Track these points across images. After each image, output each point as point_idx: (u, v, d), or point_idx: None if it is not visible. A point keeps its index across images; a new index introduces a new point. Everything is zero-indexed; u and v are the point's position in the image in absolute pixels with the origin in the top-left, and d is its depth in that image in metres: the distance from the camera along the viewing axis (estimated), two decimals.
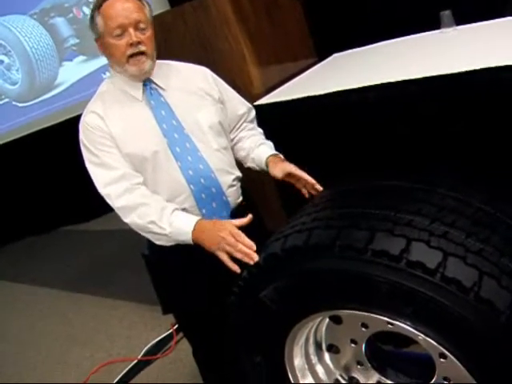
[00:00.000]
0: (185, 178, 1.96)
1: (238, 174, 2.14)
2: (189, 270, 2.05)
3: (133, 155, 1.93)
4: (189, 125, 2.00)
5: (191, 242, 1.85)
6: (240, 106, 2.20)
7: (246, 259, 1.69)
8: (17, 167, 6.63)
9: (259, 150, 2.13)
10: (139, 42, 1.86)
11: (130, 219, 1.90)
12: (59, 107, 6.47)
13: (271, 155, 2.09)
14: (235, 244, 1.73)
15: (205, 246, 1.80)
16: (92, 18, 1.91)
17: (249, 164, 2.19)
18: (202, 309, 2.10)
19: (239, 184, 2.14)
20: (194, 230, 1.83)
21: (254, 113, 2.27)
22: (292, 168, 1.98)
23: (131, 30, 1.85)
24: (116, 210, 1.94)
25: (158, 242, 1.95)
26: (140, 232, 1.96)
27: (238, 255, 1.71)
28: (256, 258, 1.68)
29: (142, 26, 1.88)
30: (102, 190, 1.92)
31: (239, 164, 2.19)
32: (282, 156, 2.09)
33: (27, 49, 6.31)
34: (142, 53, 1.88)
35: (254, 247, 1.70)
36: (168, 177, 1.95)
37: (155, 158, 1.94)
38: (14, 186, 6.71)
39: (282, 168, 2.00)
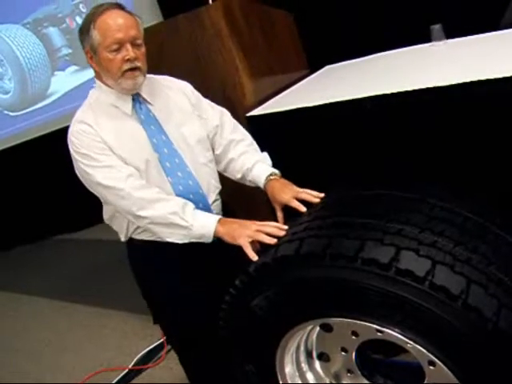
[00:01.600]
0: (175, 193, 1.97)
1: (220, 187, 2.16)
2: (171, 278, 2.08)
3: (129, 164, 1.92)
4: (176, 140, 2.00)
5: (210, 237, 1.85)
6: (211, 118, 2.15)
7: (277, 232, 1.72)
8: (8, 176, 6.63)
9: (254, 173, 2.09)
10: (135, 58, 1.87)
11: (148, 212, 1.87)
12: (51, 117, 6.46)
13: (267, 182, 2.04)
14: (263, 224, 1.78)
15: (228, 237, 1.82)
16: (85, 30, 1.89)
17: (247, 184, 2.16)
18: (184, 316, 2.10)
19: (220, 197, 2.16)
20: (218, 223, 1.85)
21: (228, 118, 2.21)
22: (285, 200, 1.93)
23: (128, 46, 1.85)
24: (130, 203, 1.88)
25: (169, 239, 1.91)
26: (152, 227, 1.92)
27: (269, 229, 1.74)
28: (286, 227, 1.74)
29: (138, 42, 1.88)
30: (114, 183, 1.88)
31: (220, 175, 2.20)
32: (277, 175, 2.05)
33: (20, 58, 6.31)
34: (137, 68, 1.89)
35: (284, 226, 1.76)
36: (159, 190, 1.95)
37: (148, 170, 1.94)
38: (5, 195, 6.70)
39: (277, 201, 1.96)
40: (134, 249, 2.10)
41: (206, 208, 2.03)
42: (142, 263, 2.13)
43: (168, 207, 1.87)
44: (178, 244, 1.90)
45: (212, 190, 2.09)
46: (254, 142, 2.21)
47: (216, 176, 2.15)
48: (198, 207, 1.97)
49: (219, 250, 1.86)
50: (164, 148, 1.97)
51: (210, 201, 2.06)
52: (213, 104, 2.21)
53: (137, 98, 1.99)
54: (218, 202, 2.13)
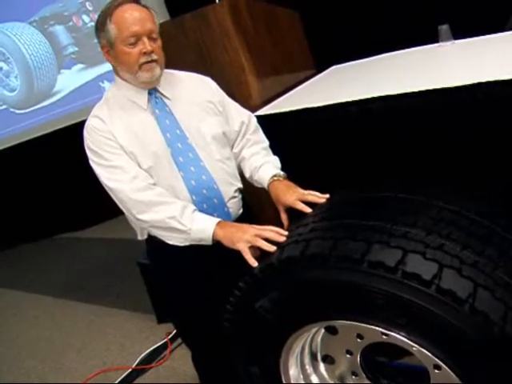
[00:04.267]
0: (187, 188, 1.96)
1: (240, 185, 2.13)
2: (189, 276, 2.07)
3: (139, 160, 1.93)
4: (192, 135, 2.00)
5: (209, 241, 1.85)
6: (236, 120, 2.16)
7: (277, 237, 1.69)
8: (12, 174, 6.64)
9: (260, 173, 2.08)
10: (152, 51, 1.88)
11: (147, 215, 1.88)
12: (57, 115, 6.48)
13: (270, 182, 2.03)
14: (263, 228, 1.76)
15: (226, 240, 1.81)
16: (100, 24, 1.90)
17: (255, 184, 2.15)
18: (201, 315, 2.09)
19: (241, 195, 2.14)
20: (217, 226, 1.84)
21: (253, 122, 2.23)
22: (290, 202, 1.91)
23: (145, 39, 1.86)
24: (130, 206, 1.90)
25: (170, 242, 1.92)
26: (153, 230, 1.94)
27: (268, 234, 1.72)
28: (286, 233, 1.71)
29: (154, 35, 1.89)
30: (115, 185, 1.90)
31: (240, 174, 2.18)
32: (282, 177, 2.03)
33: (26, 56, 6.33)
34: (154, 60, 1.90)
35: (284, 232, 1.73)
36: (171, 186, 1.95)
37: (159, 166, 1.94)
38: (9, 193, 6.72)
39: (282, 203, 1.95)
40: (153, 246, 2.09)
41: (221, 204, 2.02)
42: (160, 261, 2.12)
43: (167, 211, 1.87)
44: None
45: (228, 186, 2.06)
46: (269, 149, 2.21)
47: (234, 174, 2.13)
48: (212, 203, 1.99)
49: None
50: (178, 143, 1.97)
51: (226, 197, 2.04)
52: (240, 108, 2.22)
53: (153, 92, 1.99)
54: (236, 200, 2.10)
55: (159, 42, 1.93)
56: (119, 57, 1.91)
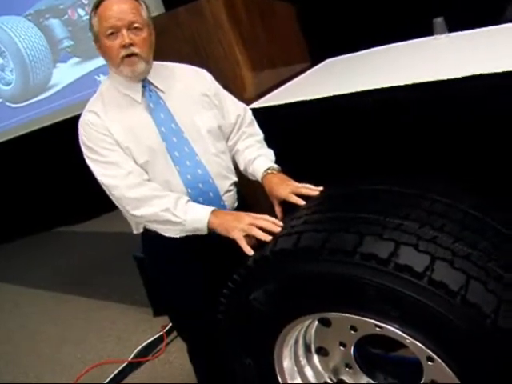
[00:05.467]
0: (183, 182, 1.95)
1: (235, 179, 2.13)
2: (184, 269, 2.06)
3: (134, 155, 1.92)
4: (187, 128, 1.98)
5: (204, 230, 1.84)
6: (232, 113, 2.15)
7: (272, 227, 1.69)
8: (8, 168, 6.63)
9: (254, 166, 2.07)
10: (131, 44, 1.84)
11: (141, 211, 1.88)
12: (52, 109, 6.46)
13: (264, 175, 2.02)
14: (258, 217, 1.75)
15: (221, 229, 1.80)
16: (90, 18, 1.90)
17: (249, 177, 2.14)
18: (197, 308, 2.09)
19: (236, 189, 2.13)
20: (211, 215, 1.82)
21: (249, 115, 2.22)
22: (283, 195, 1.90)
23: (124, 31, 1.83)
24: (124, 203, 1.90)
25: (167, 234, 1.91)
26: (148, 224, 1.95)
27: (263, 223, 1.71)
28: (281, 223, 1.70)
29: (136, 26, 1.85)
30: (110, 182, 1.89)
31: (235, 167, 2.18)
32: (276, 170, 2.02)
33: (21, 50, 6.31)
34: (135, 54, 1.87)
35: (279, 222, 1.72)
36: (166, 181, 1.94)
37: (154, 161, 1.93)
38: (6, 187, 6.71)
39: (276, 196, 1.94)
40: (148, 240, 2.09)
41: (217, 198, 2.02)
42: (155, 254, 2.12)
43: (160, 204, 1.86)
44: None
45: (223, 180, 2.06)
46: (264, 142, 2.20)
47: (229, 167, 2.12)
48: (207, 196, 1.98)
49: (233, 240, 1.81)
50: (173, 137, 1.96)
51: (222, 191, 2.04)
52: (235, 100, 2.21)
53: (147, 86, 1.97)
54: (231, 194, 2.10)
55: (144, 35, 1.89)
56: (104, 50, 1.90)
